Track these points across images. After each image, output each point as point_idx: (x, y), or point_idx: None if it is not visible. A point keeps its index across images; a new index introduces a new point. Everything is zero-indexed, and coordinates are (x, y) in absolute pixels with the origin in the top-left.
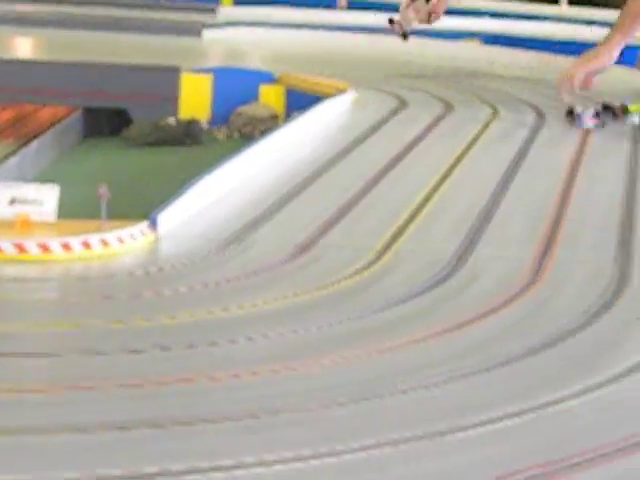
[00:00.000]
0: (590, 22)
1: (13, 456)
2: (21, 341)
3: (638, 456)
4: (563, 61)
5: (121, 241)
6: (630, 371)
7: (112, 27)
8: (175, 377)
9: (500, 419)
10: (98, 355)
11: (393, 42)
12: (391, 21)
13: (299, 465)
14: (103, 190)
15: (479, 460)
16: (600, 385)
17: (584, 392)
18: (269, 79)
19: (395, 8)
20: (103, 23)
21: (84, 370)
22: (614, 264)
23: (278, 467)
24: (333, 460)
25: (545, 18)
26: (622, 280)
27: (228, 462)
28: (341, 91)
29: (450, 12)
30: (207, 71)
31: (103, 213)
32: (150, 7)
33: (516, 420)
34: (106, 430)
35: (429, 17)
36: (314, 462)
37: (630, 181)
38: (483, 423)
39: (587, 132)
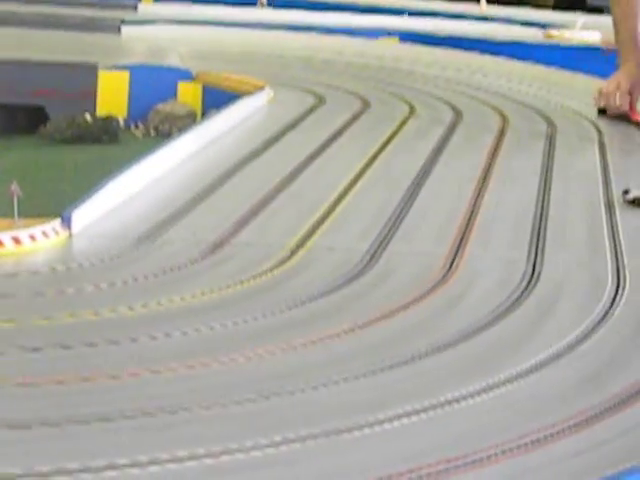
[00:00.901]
0: (511, 21)
1: None
2: None
3: (534, 453)
4: (483, 60)
5: (33, 239)
6: (532, 370)
7: (28, 24)
8: (74, 375)
9: (402, 416)
10: (4, 354)
11: (310, 40)
12: (632, 199)
13: (191, 464)
14: (14, 187)
15: (377, 457)
16: (502, 383)
17: (486, 390)
18: (187, 76)
19: (315, 7)
20: (18, 20)
21: None
22: (527, 262)
23: (170, 466)
24: (227, 458)
25: (465, 17)
26: (533, 278)
27: (122, 461)
28: (259, 88)
29: (368, 10)
30: (124, 68)
31: (15, 210)
32: (68, 3)
33: (418, 417)
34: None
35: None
36: (208, 461)
37: (545, 179)
38: (385, 420)
39: (502, 131)
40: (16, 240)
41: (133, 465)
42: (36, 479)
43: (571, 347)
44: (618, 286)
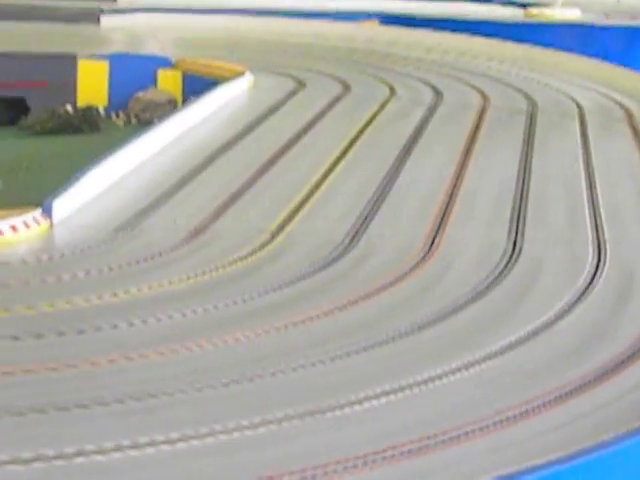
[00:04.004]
0: (491, 0)
1: None
2: None
3: (512, 429)
4: (462, 40)
5: (14, 229)
6: (510, 347)
7: (5, 16)
8: (55, 363)
9: (381, 395)
10: None
11: (290, 25)
12: None
13: (168, 448)
14: None
15: (357, 436)
16: (481, 360)
17: (465, 367)
18: (167, 64)
19: None
20: (6, 13)
21: None
22: (507, 239)
23: (150, 450)
24: (210, 440)
25: None
26: (514, 255)
27: (92, 447)
28: (239, 74)
29: None
30: (103, 57)
31: None
32: None
33: (397, 396)
34: None
35: None
36: (194, 442)
37: (525, 157)
38: (364, 400)
39: (483, 109)
40: None
41: (115, 449)
42: (17, 466)
43: (549, 324)
44: (599, 262)
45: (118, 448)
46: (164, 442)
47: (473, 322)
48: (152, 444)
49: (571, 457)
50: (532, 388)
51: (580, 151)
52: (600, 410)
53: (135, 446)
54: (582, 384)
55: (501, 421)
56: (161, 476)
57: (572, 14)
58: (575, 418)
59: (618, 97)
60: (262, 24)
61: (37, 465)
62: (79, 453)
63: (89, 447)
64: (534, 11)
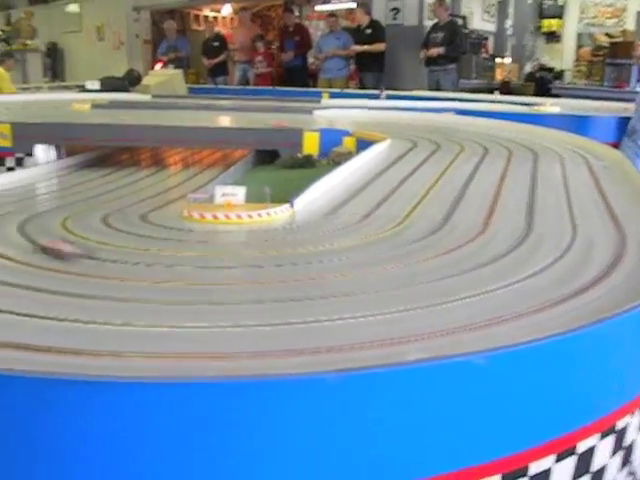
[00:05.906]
0: (513, 102)
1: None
2: (226, 260)
3: (543, 314)
4: (500, 123)
5: (276, 213)
6: (524, 279)
7: (267, 110)
8: (287, 279)
9: (464, 298)
10: (264, 267)
11: (405, 115)
12: None
13: (339, 322)
14: (267, 189)
15: (450, 319)
16: (518, 281)
17: (507, 285)
18: (348, 133)
19: (410, 98)
20: (264, 108)
21: (249, 275)
22: (524, 223)
23: (328, 323)
24: (374, 318)
25: (489, 101)
26: (528, 230)
27: (313, 319)
28: (383, 139)
29: (436, 99)
30: (316, 130)
31: (267, 200)
32: (286, 100)
33: (474, 299)
34: (243, 304)
35: None
36: (361, 319)
37: (533, 182)
38: (452, 301)
39: (509, 156)
40: (268, 214)
41: (329, 320)
42: (280, 327)
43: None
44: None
45: (329, 319)
46: (331, 320)
47: (510, 263)
48: (331, 320)
49: (545, 338)
50: (545, 296)
51: (561, 178)
52: (568, 314)
53: (336, 319)
54: (577, 291)
55: (533, 311)
56: (340, 338)
57: (555, 109)
58: (554, 318)
59: (580, 151)
60: (392, 115)
61: (293, 327)
62: (314, 321)
63: (315, 319)
64: (535, 108)
